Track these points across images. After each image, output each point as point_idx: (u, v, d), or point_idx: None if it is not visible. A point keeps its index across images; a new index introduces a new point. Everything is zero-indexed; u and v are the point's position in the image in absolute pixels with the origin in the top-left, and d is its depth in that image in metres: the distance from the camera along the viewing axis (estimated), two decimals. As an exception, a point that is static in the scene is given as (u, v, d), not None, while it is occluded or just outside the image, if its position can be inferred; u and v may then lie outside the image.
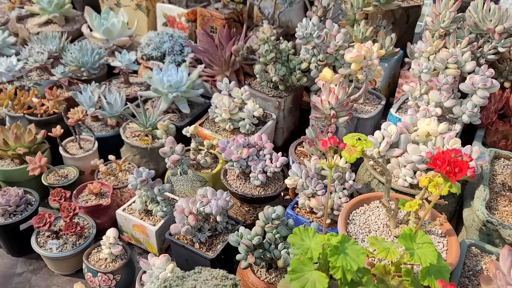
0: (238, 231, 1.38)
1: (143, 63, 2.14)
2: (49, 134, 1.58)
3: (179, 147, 1.50)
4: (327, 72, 1.67)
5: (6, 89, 1.75)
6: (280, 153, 1.54)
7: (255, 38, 1.78)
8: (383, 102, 1.80)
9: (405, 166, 1.39)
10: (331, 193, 1.40)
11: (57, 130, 1.56)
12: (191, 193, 1.67)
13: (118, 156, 1.80)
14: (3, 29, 2.44)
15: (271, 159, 1.54)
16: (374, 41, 1.88)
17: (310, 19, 1.72)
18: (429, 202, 1.12)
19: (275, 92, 1.89)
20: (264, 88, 1.91)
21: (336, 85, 1.65)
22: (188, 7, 2.32)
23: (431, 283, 0.91)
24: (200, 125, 1.82)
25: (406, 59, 1.90)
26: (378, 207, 1.29)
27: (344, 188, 1.40)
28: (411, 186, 1.39)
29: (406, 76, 1.86)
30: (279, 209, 1.19)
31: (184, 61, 2.12)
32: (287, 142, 2.04)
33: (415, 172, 1.38)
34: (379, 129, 1.83)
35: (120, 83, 2.04)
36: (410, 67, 1.90)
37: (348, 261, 0.82)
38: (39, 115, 1.73)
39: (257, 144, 1.56)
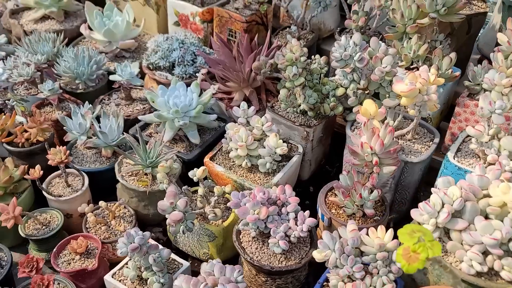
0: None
1: (149, 73, 1.83)
2: (25, 177, 1.31)
3: (181, 202, 1.20)
4: (369, 105, 1.33)
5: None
6: (307, 212, 1.23)
7: (281, 56, 1.45)
8: (437, 140, 1.45)
9: (471, 247, 1.07)
10: (372, 276, 1.09)
11: (36, 172, 1.28)
12: (198, 249, 1.38)
13: (115, 193, 1.52)
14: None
15: (295, 218, 1.23)
16: (426, 60, 1.53)
17: (350, 36, 1.37)
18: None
19: (303, 118, 1.56)
20: (289, 114, 1.58)
21: (380, 122, 1.33)
22: (203, 5, 1.98)
23: None
24: (211, 158, 1.51)
25: (466, 83, 1.53)
26: (436, 309, 0.98)
27: (390, 271, 1.08)
28: (479, 273, 1.06)
29: (465, 104, 1.51)
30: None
31: (196, 73, 1.80)
32: (314, 176, 1.73)
33: (484, 254, 1.06)
34: (429, 172, 1.50)
35: (120, 99, 1.74)
36: (470, 93, 1.55)
37: None
38: (20, 144, 1.45)
39: (279, 199, 1.25)
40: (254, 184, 1.43)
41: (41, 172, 1.29)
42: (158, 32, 2.17)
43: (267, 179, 1.46)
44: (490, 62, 1.49)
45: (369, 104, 1.34)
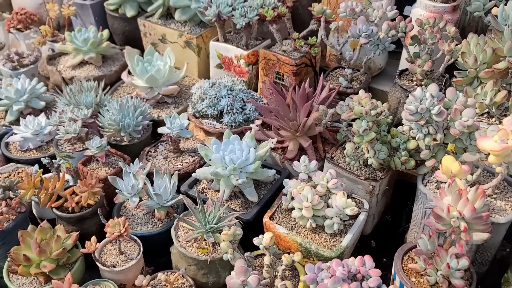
0: None
1: (196, 122, 1.75)
2: (81, 250, 1.21)
3: (253, 279, 1.09)
4: (451, 163, 1.22)
5: (31, 174, 1.39)
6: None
7: (346, 108, 1.34)
8: (521, 195, 1.33)
9: None
10: None
11: (92, 245, 1.19)
12: (265, 323, 1.26)
13: (166, 255, 1.42)
14: (28, 71, 2.09)
15: (379, 293, 1.11)
16: (499, 107, 1.42)
17: (425, 87, 1.26)
18: None
19: (367, 171, 1.45)
20: (351, 166, 1.47)
21: (464, 181, 1.21)
22: (248, 47, 1.90)
23: None
24: (270, 217, 1.41)
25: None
26: None
27: None
28: None
29: (547, 153, 1.38)
30: None
31: (245, 121, 1.71)
32: (377, 228, 1.61)
33: None
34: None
35: (168, 151, 1.65)
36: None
37: None
38: (70, 209, 1.36)
39: (359, 272, 1.14)
40: (321, 248, 1.32)
41: (98, 244, 1.20)
42: (199, 75, 2.10)
43: (334, 241, 1.35)
44: None
45: (450, 162, 1.23)
